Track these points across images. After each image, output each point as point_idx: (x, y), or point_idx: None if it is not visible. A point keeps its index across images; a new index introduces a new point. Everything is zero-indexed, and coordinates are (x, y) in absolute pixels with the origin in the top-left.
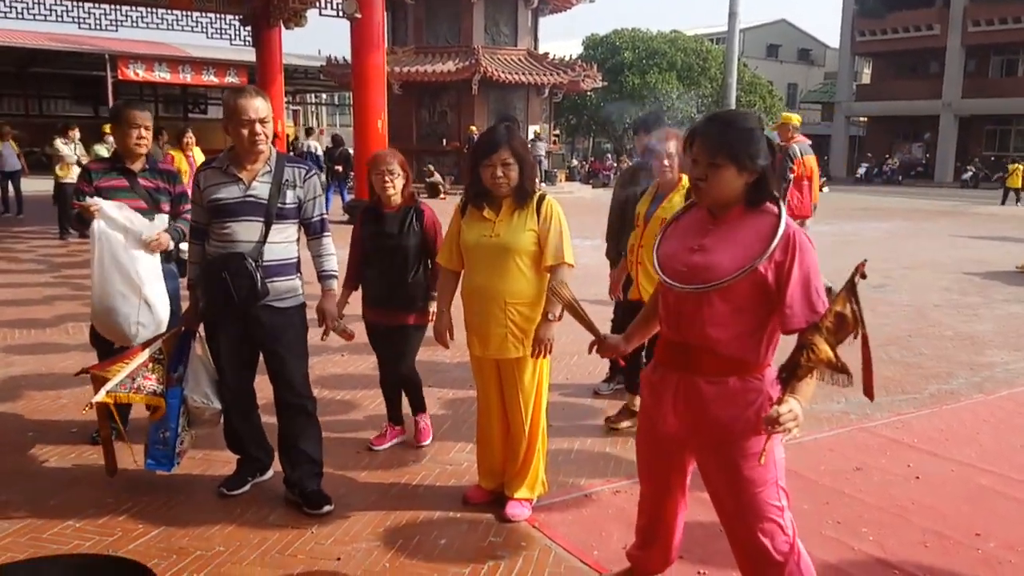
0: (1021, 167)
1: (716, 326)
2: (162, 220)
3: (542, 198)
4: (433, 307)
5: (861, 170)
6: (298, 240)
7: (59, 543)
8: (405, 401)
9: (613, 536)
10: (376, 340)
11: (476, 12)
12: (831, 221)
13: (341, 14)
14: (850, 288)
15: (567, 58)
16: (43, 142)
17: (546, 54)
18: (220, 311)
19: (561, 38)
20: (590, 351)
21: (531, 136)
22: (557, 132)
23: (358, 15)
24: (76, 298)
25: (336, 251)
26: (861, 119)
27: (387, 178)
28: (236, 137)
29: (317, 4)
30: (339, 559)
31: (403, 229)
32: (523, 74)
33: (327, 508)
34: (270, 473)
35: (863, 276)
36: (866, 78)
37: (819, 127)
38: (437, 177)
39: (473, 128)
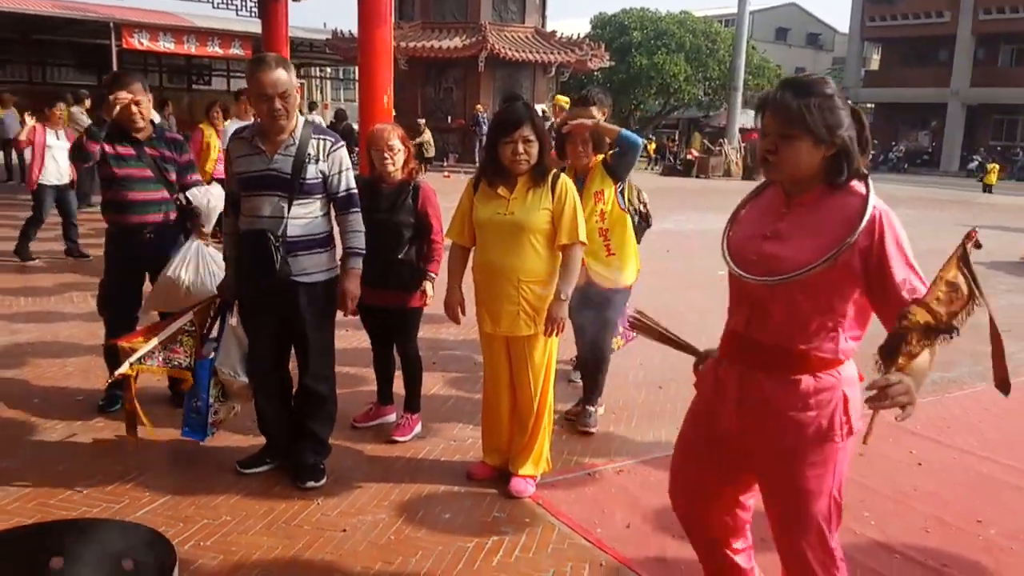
0: (997, 167)
1: (793, 321)
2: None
3: (557, 176)
4: (428, 287)
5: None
6: (328, 214)
7: (66, 509)
8: (398, 384)
9: (616, 515)
10: (368, 320)
11: None
12: None
13: None
14: (962, 256)
15: (575, 37)
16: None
17: (553, 32)
18: (245, 288)
19: (570, 16)
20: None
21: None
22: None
23: None
24: (79, 268)
25: None
26: (868, 105)
27: (387, 154)
28: (257, 111)
29: None
30: (344, 530)
31: (395, 205)
32: (530, 52)
33: (310, 483)
34: None
35: (977, 246)
36: (875, 64)
37: None
38: (427, 137)
39: (480, 107)
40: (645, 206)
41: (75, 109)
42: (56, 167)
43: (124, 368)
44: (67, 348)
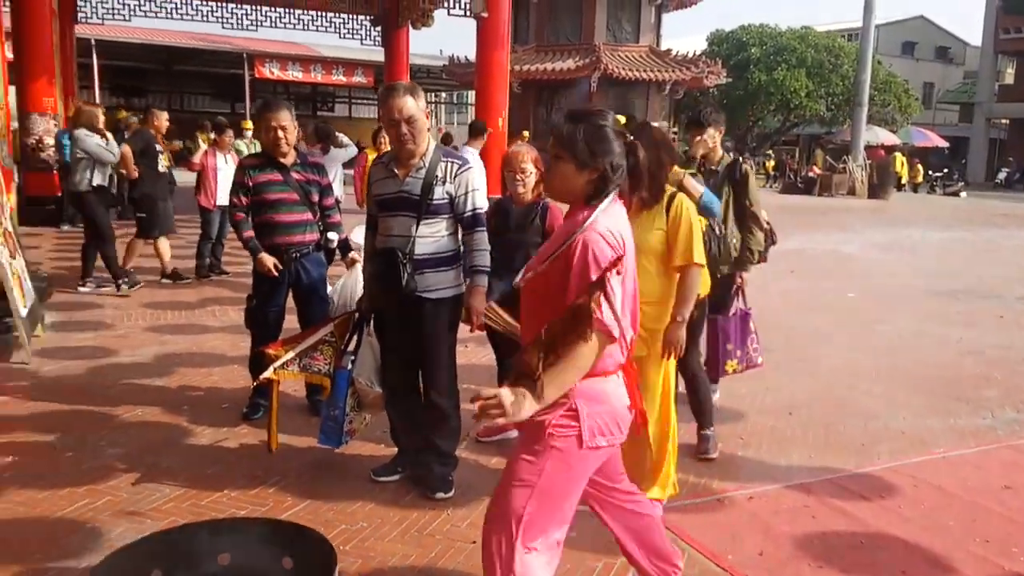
0: None
1: (536, 323)
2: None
3: (673, 196)
4: None
5: (1001, 175)
6: (455, 233)
7: (217, 510)
8: None
9: (747, 542)
10: (494, 336)
11: (599, 9)
12: (969, 227)
13: (469, 13)
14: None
15: (691, 54)
16: (186, 136)
17: (668, 50)
18: (378, 303)
19: (686, 35)
20: None
21: None
22: (676, 129)
23: (485, 14)
24: (221, 284)
25: None
26: (1003, 121)
27: (519, 176)
28: (388, 135)
29: (445, 4)
30: (474, 542)
31: (524, 224)
32: (644, 71)
33: (439, 495)
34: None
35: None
36: (1009, 78)
37: (957, 129)
38: None
39: None
40: (768, 224)
41: (240, 142)
42: (225, 188)
43: (268, 373)
44: (211, 358)
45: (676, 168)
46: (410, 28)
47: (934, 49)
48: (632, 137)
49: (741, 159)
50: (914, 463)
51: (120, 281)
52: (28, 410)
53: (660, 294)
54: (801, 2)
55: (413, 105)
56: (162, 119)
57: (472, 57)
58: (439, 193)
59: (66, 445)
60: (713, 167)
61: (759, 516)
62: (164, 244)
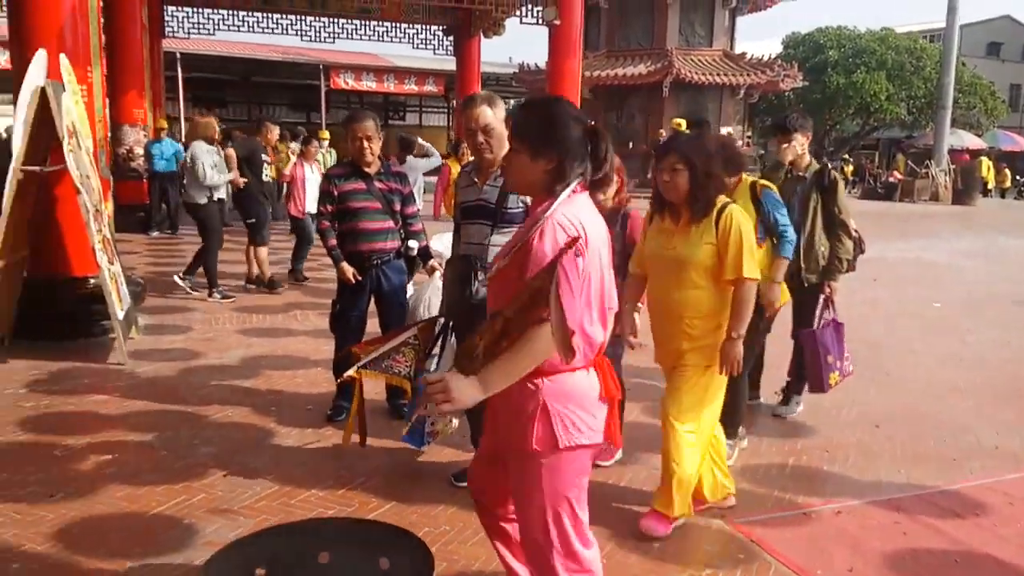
0: None
1: None
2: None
3: (723, 208)
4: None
5: None
6: None
7: (305, 510)
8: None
9: (836, 557)
10: None
11: (671, 14)
12: None
13: (541, 21)
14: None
15: (766, 57)
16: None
17: (743, 54)
18: (455, 309)
19: (760, 38)
20: None
21: None
22: (750, 134)
23: (557, 22)
24: (302, 289)
25: None
26: None
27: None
28: (467, 144)
29: (518, 13)
30: None
31: None
32: (717, 75)
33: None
34: None
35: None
36: None
37: None
38: None
39: (662, 132)
40: (857, 232)
41: (322, 152)
42: (313, 197)
43: (351, 372)
44: (295, 361)
45: (746, 176)
46: (481, 37)
47: (1021, 49)
48: (594, 123)
49: (830, 166)
50: (1008, 480)
51: (214, 290)
52: (126, 409)
53: (709, 307)
54: (880, 4)
55: (490, 115)
56: (274, 133)
57: (542, 64)
58: (513, 201)
59: (161, 444)
60: (800, 173)
61: (847, 531)
62: (263, 251)
